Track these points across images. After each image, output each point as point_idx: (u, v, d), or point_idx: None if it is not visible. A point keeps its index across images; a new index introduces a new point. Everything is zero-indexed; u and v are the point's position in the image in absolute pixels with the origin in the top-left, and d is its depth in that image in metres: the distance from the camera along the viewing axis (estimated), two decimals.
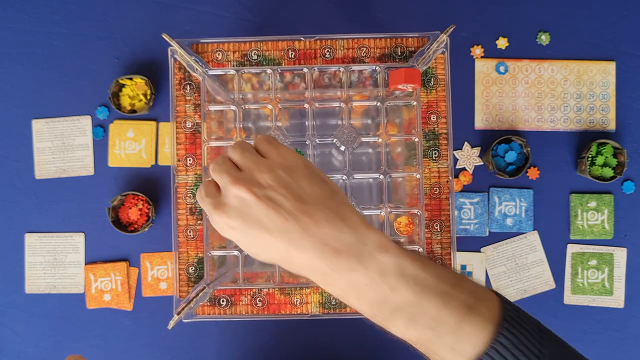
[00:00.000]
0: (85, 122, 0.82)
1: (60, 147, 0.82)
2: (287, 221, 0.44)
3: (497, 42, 0.82)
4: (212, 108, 0.68)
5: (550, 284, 0.81)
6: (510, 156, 0.79)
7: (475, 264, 0.81)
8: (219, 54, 0.68)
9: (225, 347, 0.81)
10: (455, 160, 0.82)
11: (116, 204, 0.79)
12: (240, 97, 0.68)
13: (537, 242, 0.81)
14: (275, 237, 0.44)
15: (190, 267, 0.67)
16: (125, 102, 0.80)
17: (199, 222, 0.67)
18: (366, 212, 0.67)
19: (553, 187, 0.82)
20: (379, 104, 0.67)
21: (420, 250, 0.66)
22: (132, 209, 0.79)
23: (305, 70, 0.67)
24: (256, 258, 0.47)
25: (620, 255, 0.81)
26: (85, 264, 0.81)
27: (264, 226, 0.45)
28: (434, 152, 0.68)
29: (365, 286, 0.43)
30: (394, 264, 0.42)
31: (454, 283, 0.43)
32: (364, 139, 0.67)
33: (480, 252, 0.81)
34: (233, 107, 0.67)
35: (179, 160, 0.68)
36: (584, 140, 0.82)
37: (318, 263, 0.43)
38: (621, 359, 0.81)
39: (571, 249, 0.81)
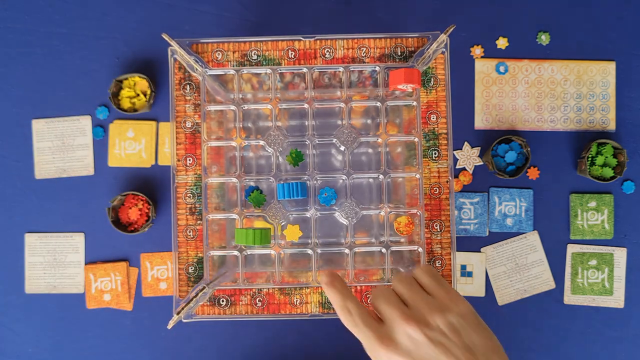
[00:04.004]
0: (85, 122, 0.82)
1: (60, 147, 0.82)
2: None
3: (497, 42, 0.82)
4: (212, 108, 0.68)
5: (550, 284, 0.81)
6: (510, 156, 0.79)
7: (475, 264, 0.81)
8: (218, 54, 0.68)
9: (225, 347, 0.81)
10: (455, 160, 0.82)
11: (116, 204, 0.79)
12: (240, 97, 0.68)
13: (537, 242, 0.81)
14: None
15: (190, 267, 0.67)
16: (126, 101, 0.80)
17: (198, 222, 0.67)
18: (366, 212, 0.67)
19: (553, 187, 0.82)
20: (379, 104, 0.67)
21: (421, 250, 0.66)
22: (132, 209, 0.79)
23: (305, 70, 0.67)
24: None
25: (620, 255, 0.81)
26: (85, 264, 0.81)
27: None
28: (434, 152, 0.67)
29: None
30: None
31: None
32: (363, 139, 0.67)
33: (480, 252, 0.81)
34: (233, 107, 0.67)
35: (178, 160, 0.68)
36: (584, 140, 0.82)
37: None
38: (621, 359, 0.81)
39: (571, 249, 0.81)
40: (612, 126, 0.82)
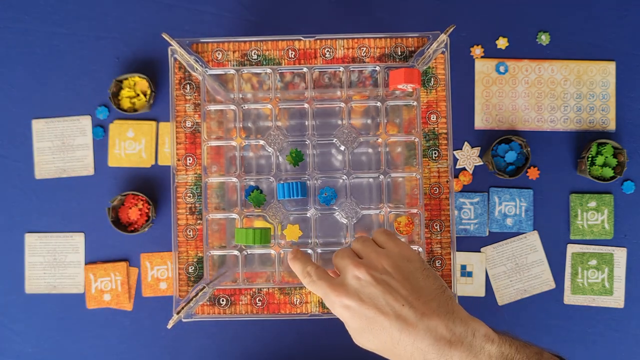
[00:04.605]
0: (85, 122, 0.82)
1: (60, 147, 0.82)
2: (403, 307, 0.47)
3: (497, 42, 0.82)
4: (212, 108, 0.68)
5: (550, 284, 0.81)
6: (510, 156, 0.79)
7: (475, 264, 0.81)
8: (219, 54, 0.68)
9: (225, 347, 0.81)
10: (455, 160, 0.82)
11: (116, 204, 0.79)
12: (240, 96, 0.68)
13: (537, 242, 0.81)
14: (390, 320, 0.47)
15: (190, 267, 0.67)
16: (126, 101, 0.80)
17: (198, 221, 0.67)
18: (366, 212, 0.67)
19: (553, 187, 0.82)
20: (379, 104, 0.67)
21: (421, 250, 0.66)
22: (132, 209, 0.79)
23: (305, 70, 0.67)
24: (361, 343, 0.50)
25: (620, 255, 0.81)
26: (85, 264, 0.81)
27: (381, 308, 0.47)
28: (433, 152, 0.68)
29: None
30: (498, 352, 0.46)
31: (538, 359, 0.48)
32: (363, 139, 0.67)
33: (480, 252, 0.81)
34: (233, 107, 0.67)
35: (178, 160, 0.68)
36: (584, 140, 0.82)
37: (430, 350, 0.46)
38: (621, 359, 0.81)
39: (571, 249, 0.81)
40: (612, 126, 0.82)
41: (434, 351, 0.46)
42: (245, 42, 0.68)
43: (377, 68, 0.67)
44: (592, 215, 0.81)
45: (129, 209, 0.79)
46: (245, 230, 0.61)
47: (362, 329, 0.49)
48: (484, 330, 0.47)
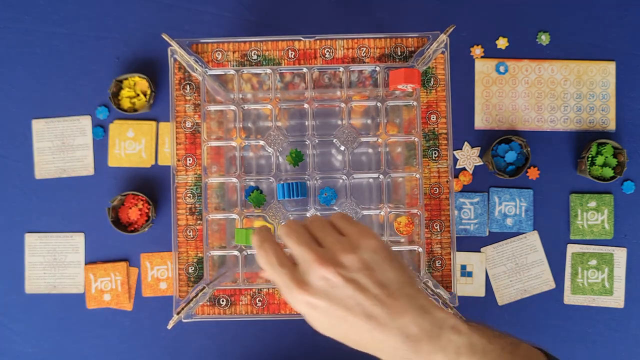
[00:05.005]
0: (85, 122, 0.82)
1: (60, 147, 0.82)
2: (374, 306, 0.46)
3: (497, 42, 0.82)
4: (212, 108, 0.68)
5: (550, 284, 0.81)
6: (510, 156, 0.79)
7: (475, 264, 0.81)
8: (218, 54, 0.68)
9: (225, 347, 0.81)
10: (455, 160, 0.82)
11: (116, 204, 0.79)
12: (240, 97, 0.68)
13: (537, 242, 0.81)
14: (360, 320, 0.46)
15: (190, 267, 0.67)
16: (126, 101, 0.80)
17: (198, 222, 0.67)
18: (366, 212, 0.67)
19: (553, 187, 0.82)
20: (378, 104, 0.67)
21: (421, 250, 0.66)
22: (132, 209, 0.79)
23: (305, 70, 0.67)
24: (325, 334, 0.48)
25: (620, 255, 0.81)
26: (85, 264, 0.81)
27: (349, 308, 0.46)
28: (433, 152, 0.68)
29: None
30: (467, 343, 0.45)
31: (513, 351, 0.46)
32: (363, 139, 0.67)
33: (480, 252, 0.81)
34: (233, 107, 0.67)
35: (178, 160, 0.68)
36: (584, 140, 0.82)
37: (400, 348, 0.45)
38: (621, 359, 0.81)
39: (571, 249, 0.81)
40: (612, 126, 0.82)
41: (404, 347, 0.45)
42: (245, 42, 0.68)
43: (377, 68, 0.67)
44: (592, 215, 0.81)
45: (129, 209, 0.79)
46: (245, 231, 0.61)
47: (332, 325, 0.48)
48: (451, 322, 0.46)
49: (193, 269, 0.67)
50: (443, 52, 0.67)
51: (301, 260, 0.48)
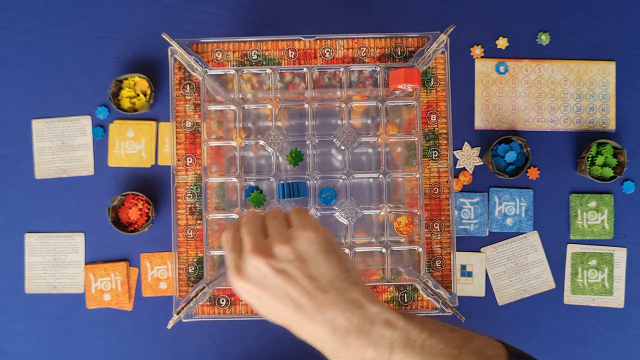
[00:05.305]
0: (85, 122, 0.82)
1: (60, 147, 0.82)
2: (302, 297, 0.47)
3: (497, 42, 0.82)
4: (212, 108, 0.68)
5: (550, 284, 0.81)
6: (510, 156, 0.79)
7: (475, 264, 0.81)
8: (218, 54, 0.68)
9: (225, 347, 0.81)
10: (455, 160, 0.82)
11: (116, 204, 0.79)
12: (240, 97, 0.68)
13: (537, 242, 0.81)
14: (289, 310, 0.47)
15: (190, 267, 0.67)
16: (126, 101, 0.80)
17: (198, 221, 0.67)
18: (366, 212, 0.67)
19: (553, 187, 0.82)
20: (378, 104, 0.67)
21: (421, 250, 0.66)
22: (132, 209, 0.79)
23: (305, 70, 0.67)
24: (268, 319, 0.50)
25: (620, 255, 0.81)
26: (85, 264, 0.81)
27: (279, 298, 0.47)
28: (433, 152, 0.68)
29: None
30: (402, 338, 0.45)
31: (462, 345, 0.46)
32: (363, 139, 0.67)
33: (480, 252, 0.81)
34: (233, 107, 0.67)
35: (178, 160, 0.68)
36: (584, 140, 0.82)
37: (329, 339, 0.46)
38: (621, 359, 0.81)
39: (571, 249, 0.81)
40: (612, 126, 0.82)
41: (332, 340, 0.46)
42: (245, 42, 0.68)
43: (377, 68, 0.67)
44: (592, 215, 0.81)
45: (129, 209, 0.79)
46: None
47: (265, 310, 0.49)
48: (385, 317, 0.46)
49: (193, 269, 0.67)
50: (443, 52, 0.67)
51: (244, 249, 0.49)
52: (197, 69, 0.66)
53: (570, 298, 0.81)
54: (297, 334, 0.49)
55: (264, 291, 0.48)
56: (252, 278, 0.48)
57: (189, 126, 0.68)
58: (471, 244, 0.82)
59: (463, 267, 0.81)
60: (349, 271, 0.49)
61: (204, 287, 0.65)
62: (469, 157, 0.82)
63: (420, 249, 0.66)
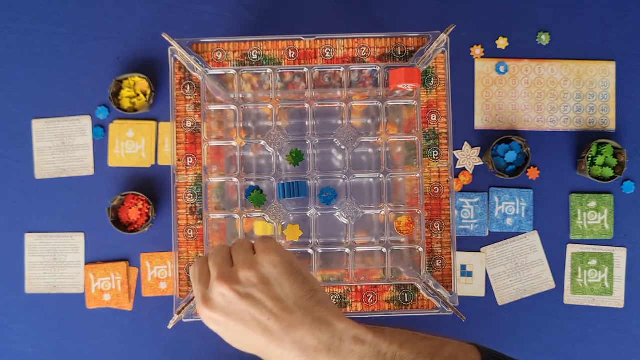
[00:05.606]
0: (85, 122, 0.82)
1: (60, 147, 0.82)
2: (269, 320, 0.47)
3: (497, 42, 0.82)
4: (212, 108, 0.68)
5: (550, 284, 0.81)
6: (510, 156, 0.79)
7: (475, 264, 0.81)
8: (219, 54, 0.68)
9: (225, 347, 0.81)
10: (455, 160, 0.82)
11: (116, 204, 0.79)
12: (240, 96, 0.68)
13: (537, 242, 0.81)
14: (257, 334, 0.47)
15: (190, 267, 0.67)
16: (126, 101, 0.80)
17: (199, 222, 0.67)
18: (366, 212, 0.67)
19: (553, 187, 0.82)
20: (379, 103, 0.67)
21: (421, 250, 0.66)
22: (132, 209, 0.79)
23: (305, 70, 0.67)
24: (241, 349, 0.50)
25: (620, 255, 0.81)
26: (85, 264, 0.81)
27: (246, 323, 0.47)
28: (434, 152, 0.68)
29: None
30: (372, 352, 0.46)
31: (434, 353, 0.46)
32: (364, 139, 0.67)
33: (480, 252, 0.81)
34: (233, 107, 0.67)
35: (179, 160, 0.68)
36: (584, 140, 0.82)
37: None
38: (621, 359, 0.81)
39: (571, 249, 0.81)
40: (612, 126, 0.82)
41: (303, 359, 0.46)
42: (245, 42, 0.68)
43: (377, 68, 0.67)
44: (592, 215, 0.81)
45: (129, 209, 0.79)
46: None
47: (232, 338, 0.49)
48: (353, 333, 0.46)
49: None
50: (443, 52, 0.67)
51: (210, 279, 0.50)
52: (197, 69, 0.66)
53: (570, 298, 0.81)
54: (267, 358, 0.49)
55: (231, 318, 0.48)
56: (218, 305, 0.48)
57: (189, 126, 0.68)
58: (471, 244, 0.82)
59: (463, 267, 0.81)
60: (314, 290, 0.49)
61: None
62: (469, 157, 0.82)
63: (420, 249, 0.66)
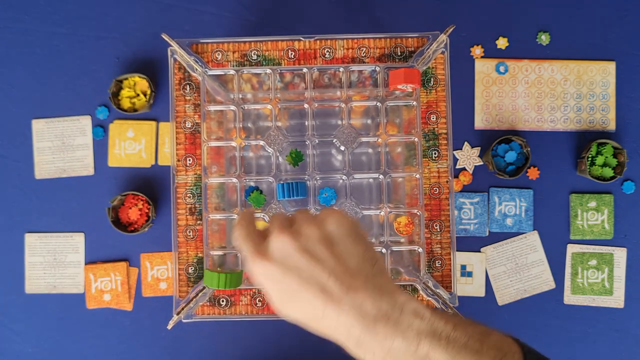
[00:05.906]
0: (85, 122, 0.82)
1: (60, 147, 0.82)
2: (329, 279, 0.44)
3: (497, 42, 0.82)
4: (212, 108, 0.68)
5: (550, 284, 0.81)
6: (510, 156, 0.79)
7: (475, 264, 0.81)
8: (218, 54, 0.68)
9: (225, 347, 0.81)
10: (455, 160, 0.82)
11: (116, 204, 0.79)
12: (240, 97, 0.68)
13: (537, 242, 0.81)
14: (313, 292, 0.44)
15: (190, 267, 0.67)
16: (126, 101, 0.80)
17: (198, 222, 0.67)
18: (366, 212, 0.67)
19: (553, 187, 0.82)
20: (378, 104, 0.67)
21: (421, 250, 0.66)
22: (132, 209, 0.79)
23: (305, 70, 0.67)
24: (285, 314, 0.46)
25: (620, 255, 0.81)
26: (85, 264, 0.81)
27: (303, 280, 0.44)
28: (433, 152, 0.68)
29: (402, 353, 0.42)
30: (429, 329, 0.43)
31: (482, 339, 0.44)
32: (363, 139, 0.67)
33: (480, 252, 0.81)
34: (233, 107, 0.67)
35: (178, 160, 0.68)
36: (584, 140, 0.82)
37: (355, 327, 0.43)
38: (621, 359, 0.81)
39: (571, 249, 0.81)
40: (612, 126, 0.82)
41: (359, 327, 0.43)
42: (245, 42, 0.68)
43: (377, 68, 0.67)
44: (592, 215, 0.81)
45: (129, 209, 0.79)
46: (214, 275, 0.57)
47: (285, 300, 0.46)
48: (413, 306, 0.44)
49: (193, 269, 0.67)
50: (443, 52, 0.67)
51: (269, 234, 0.47)
52: (197, 69, 0.66)
53: (570, 298, 0.81)
54: (314, 328, 0.45)
55: (287, 273, 0.44)
56: (274, 258, 0.45)
57: (189, 126, 0.68)
58: (471, 244, 0.82)
59: (463, 267, 0.81)
60: (376, 258, 0.47)
61: (204, 288, 0.65)
62: (469, 157, 0.82)
63: (420, 249, 0.66)
